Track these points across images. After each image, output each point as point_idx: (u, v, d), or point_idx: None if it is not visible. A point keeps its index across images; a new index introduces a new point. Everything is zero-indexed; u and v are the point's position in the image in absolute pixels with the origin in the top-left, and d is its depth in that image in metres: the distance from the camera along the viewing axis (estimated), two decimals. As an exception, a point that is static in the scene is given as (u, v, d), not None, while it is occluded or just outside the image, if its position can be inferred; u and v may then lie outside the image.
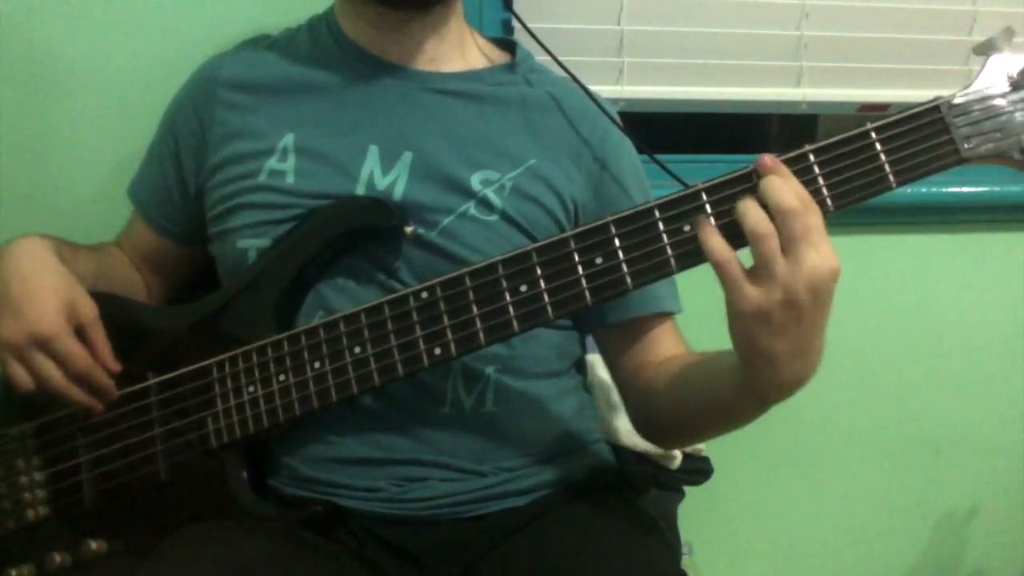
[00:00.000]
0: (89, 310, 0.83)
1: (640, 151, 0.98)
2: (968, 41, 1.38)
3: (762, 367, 0.69)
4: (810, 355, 0.69)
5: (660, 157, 0.95)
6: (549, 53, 0.99)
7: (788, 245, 0.65)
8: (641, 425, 0.94)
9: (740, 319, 0.67)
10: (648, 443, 1.07)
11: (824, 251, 0.65)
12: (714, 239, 0.68)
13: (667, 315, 0.93)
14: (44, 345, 0.80)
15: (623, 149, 0.95)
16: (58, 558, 0.85)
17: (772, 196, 0.66)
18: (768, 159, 0.68)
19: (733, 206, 0.68)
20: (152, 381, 0.85)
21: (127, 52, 1.08)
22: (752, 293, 0.66)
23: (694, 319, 0.94)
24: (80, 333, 0.82)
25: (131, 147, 1.03)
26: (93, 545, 0.85)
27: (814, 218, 0.65)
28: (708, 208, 0.70)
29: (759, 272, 0.66)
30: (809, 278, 0.64)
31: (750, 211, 0.66)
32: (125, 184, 1.01)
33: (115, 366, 0.84)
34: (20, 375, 0.81)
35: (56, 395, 0.82)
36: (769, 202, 0.66)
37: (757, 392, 0.72)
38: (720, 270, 0.67)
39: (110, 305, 0.88)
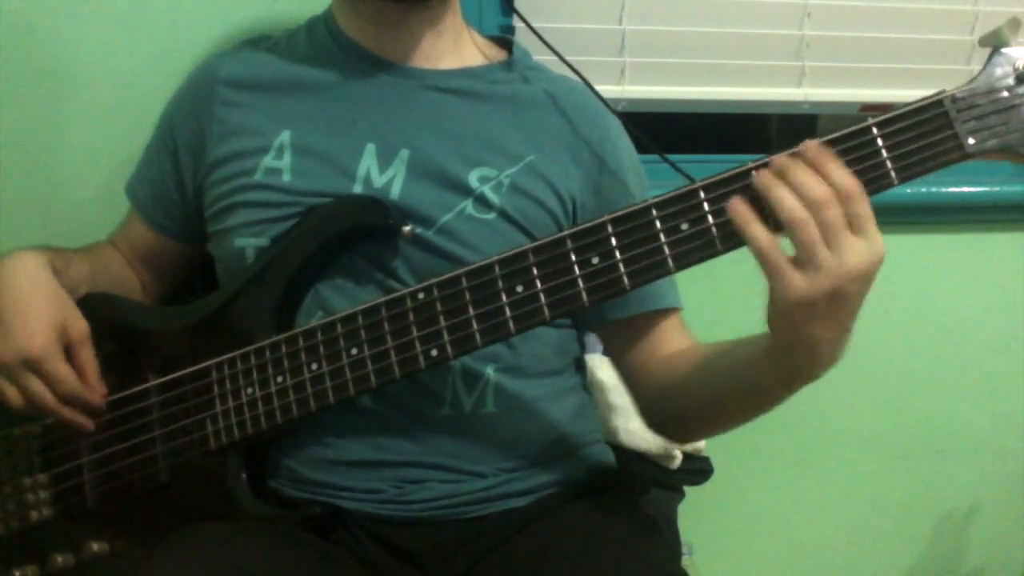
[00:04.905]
0: (79, 330, 0.84)
1: (650, 151, 0.98)
2: (970, 41, 1.37)
3: (801, 352, 0.69)
4: (845, 336, 0.68)
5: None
6: (555, 52, 0.99)
7: (827, 236, 0.64)
8: (657, 420, 0.92)
9: (783, 307, 0.66)
10: (653, 441, 1.07)
11: (871, 239, 0.64)
12: (755, 228, 0.66)
13: (669, 311, 0.92)
14: (33, 367, 0.81)
15: (622, 147, 0.95)
16: (60, 559, 0.85)
17: (800, 190, 0.65)
18: (811, 145, 0.66)
19: (763, 193, 0.66)
20: (152, 383, 0.85)
21: (127, 52, 1.08)
22: (798, 282, 0.64)
23: (695, 315, 0.95)
24: (70, 352, 0.83)
25: (131, 147, 1.02)
26: (95, 547, 0.85)
27: (859, 206, 0.64)
28: (706, 206, 0.69)
29: (803, 261, 0.64)
30: (856, 268, 0.64)
31: (785, 199, 0.65)
32: (124, 184, 1.01)
33: (101, 389, 0.84)
34: (11, 393, 0.82)
35: (46, 415, 0.83)
36: (799, 196, 0.65)
37: (791, 375, 0.72)
38: (763, 258, 0.66)
39: (109, 307, 0.89)
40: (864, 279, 0.65)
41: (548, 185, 0.89)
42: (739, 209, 0.67)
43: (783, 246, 0.66)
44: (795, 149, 0.67)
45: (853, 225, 0.64)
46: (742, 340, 0.78)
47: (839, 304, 0.65)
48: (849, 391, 1.45)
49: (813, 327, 0.66)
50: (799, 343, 0.68)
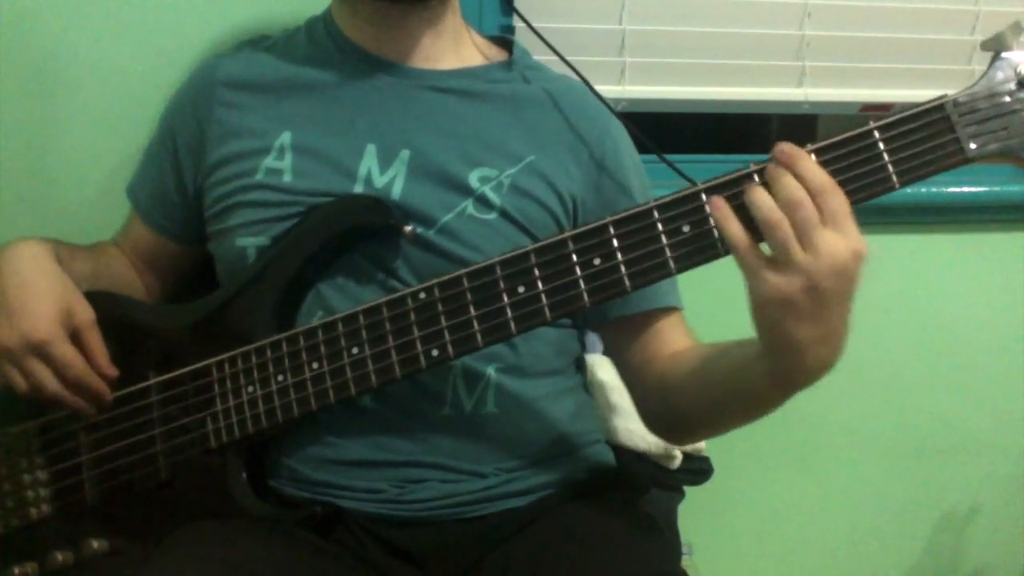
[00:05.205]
0: (85, 315, 0.84)
1: (649, 151, 0.98)
2: (971, 41, 1.37)
3: (786, 354, 0.68)
4: (834, 340, 0.68)
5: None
6: (556, 53, 0.99)
7: (801, 234, 0.64)
8: (655, 421, 0.92)
9: (762, 306, 0.67)
10: (653, 441, 1.07)
11: (847, 234, 0.64)
12: (732, 225, 0.67)
13: (670, 310, 0.92)
14: (39, 350, 0.80)
15: (623, 146, 0.95)
16: (60, 557, 0.85)
17: (775, 191, 0.66)
18: (785, 147, 0.67)
19: (744, 197, 0.67)
20: (153, 381, 0.85)
21: (127, 52, 1.08)
22: (773, 280, 0.65)
23: (697, 314, 0.95)
24: (77, 338, 0.83)
25: (131, 147, 1.03)
26: (95, 544, 0.85)
27: (831, 201, 0.64)
28: (707, 209, 0.69)
29: (778, 260, 0.65)
30: (831, 263, 0.64)
31: (760, 202, 0.66)
32: (125, 184, 1.01)
33: (111, 371, 0.84)
34: (16, 379, 0.82)
35: (50, 400, 0.82)
36: (775, 196, 0.66)
37: (783, 379, 0.71)
38: (738, 255, 0.67)
39: (111, 304, 0.89)
40: (841, 275, 0.64)
41: (549, 185, 0.89)
42: (718, 206, 0.68)
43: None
44: (773, 152, 0.67)
45: (827, 220, 0.64)
46: (738, 342, 0.78)
47: (819, 302, 0.65)
48: (849, 391, 1.45)
49: (794, 326, 0.66)
50: (782, 344, 0.68)
